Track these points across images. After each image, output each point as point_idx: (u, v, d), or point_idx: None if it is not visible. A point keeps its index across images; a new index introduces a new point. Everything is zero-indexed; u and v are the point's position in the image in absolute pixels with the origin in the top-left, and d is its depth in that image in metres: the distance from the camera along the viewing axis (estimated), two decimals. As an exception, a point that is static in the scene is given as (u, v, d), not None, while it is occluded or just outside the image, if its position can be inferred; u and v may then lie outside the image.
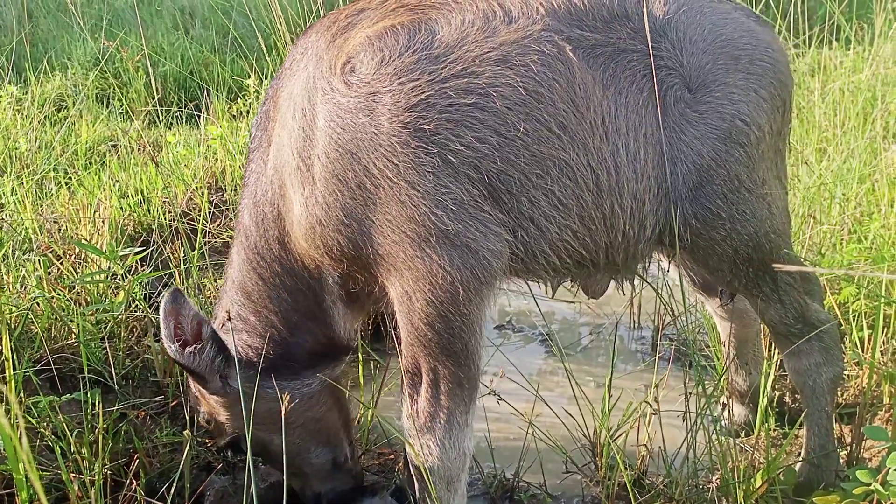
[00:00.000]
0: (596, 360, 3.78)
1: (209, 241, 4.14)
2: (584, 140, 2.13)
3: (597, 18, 2.17)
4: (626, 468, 2.76)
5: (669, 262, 2.48)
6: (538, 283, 2.44)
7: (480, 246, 2.09)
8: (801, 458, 2.63)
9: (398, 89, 2.04)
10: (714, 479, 2.74)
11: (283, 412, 2.11)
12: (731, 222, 2.24)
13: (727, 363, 2.99)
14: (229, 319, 2.31)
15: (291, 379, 2.42)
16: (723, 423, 3.03)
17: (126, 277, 3.27)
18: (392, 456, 2.99)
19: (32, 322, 3.10)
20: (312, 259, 2.26)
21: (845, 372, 2.95)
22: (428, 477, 2.19)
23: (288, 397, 2.17)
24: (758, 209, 2.26)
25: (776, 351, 2.88)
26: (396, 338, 2.29)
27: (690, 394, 2.76)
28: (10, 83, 6.65)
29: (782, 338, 2.47)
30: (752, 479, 2.29)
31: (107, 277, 3.23)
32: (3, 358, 2.32)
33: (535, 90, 2.08)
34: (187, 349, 2.29)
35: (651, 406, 2.67)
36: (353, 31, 2.16)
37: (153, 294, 3.56)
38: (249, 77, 6.12)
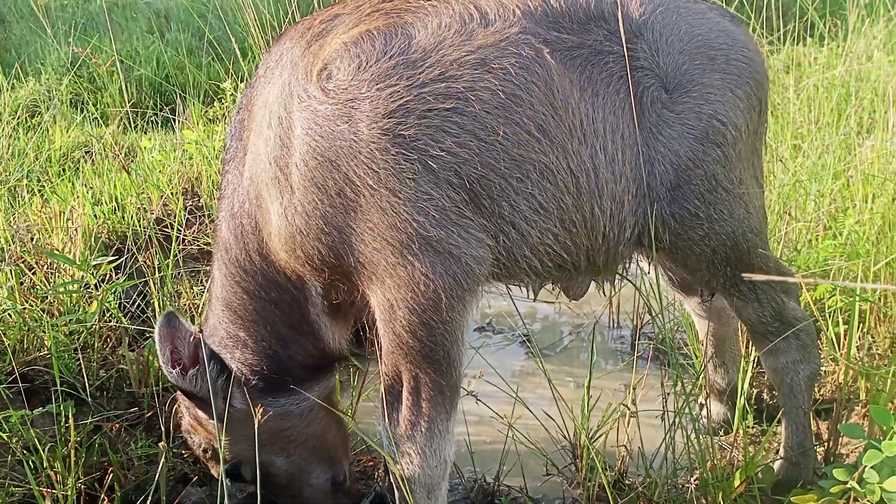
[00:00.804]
0: (576, 360, 3.78)
1: (185, 248, 4.10)
2: (564, 143, 2.12)
3: (573, 20, 2.16)
4: (605, 469, 2.76)
5: (649, 263, 2.49)
6: (519, 286, 2.43)
7: (463, 252, 2.07)
8: (779, 457, 2.64)
9: (376, 95, 2.02)
10: (693, 478, 2.74)
11: (256, 426, 2.07)
12: (709, 222, 2.24)
13: (705, 362, 2.99)
14: (201, 332, 2.28)
15: (289, 395, 2.38)
16: (701, 421, 3.03)
17: (99, 287, 3.23)
18: (371, 463, 2.97)
19: (3, 334, 3.05)
20: (293, 270, 2.23)
21: (822, 368, 2.96)
22: (407, 485, 2.18)
23: (274, 413, 2.14)
24: (735, 209, 2.26)
25: (753, 348, 2.90)
26: (377, 345, 2.27)
27: (669, 393, 2.76)
28: (-19, 89, 6.56)
29: (760, 336, 2.48)
30: (731, 479, 2.29)
31: (80, 287, 3.18)
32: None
33: (513, 93, 2.07)
34: (189, 373, 2.24)
35: (630, 408, 2.66)
36: (328, 37, 2.14)
37: (127, 303, 3.51)
38: (226, 80, 6.06)
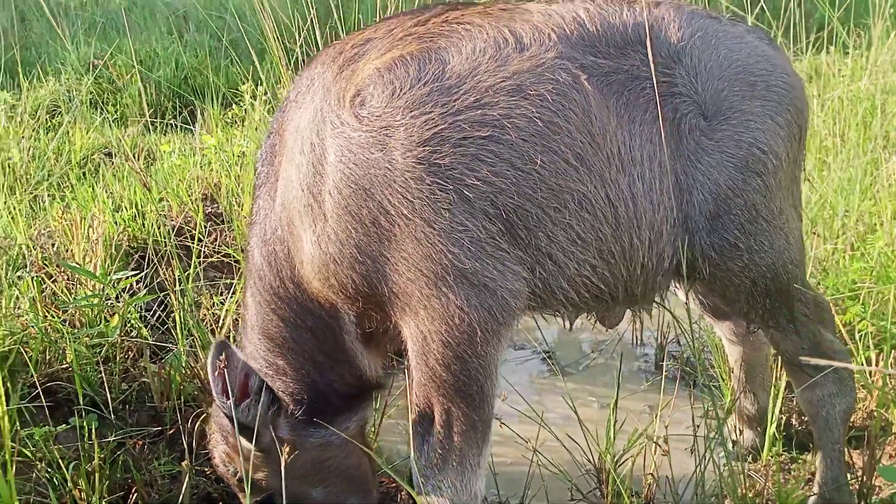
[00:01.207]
0: (599, 379, 3.74)
1: (204, 259, 4.08)
2: (601, 171, 2.08)
3: (610, 45, 2.12)
4: (631, 497, 2.71)
5: (686, 292, 2.44)
6: (554, 316, 2.38)
7: (499, 285, 2.03)
8: (812, 492, 2.58)
9: (411, 123, 1.99)
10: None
11: (282, 463, 2.03)
12: (749, 253, 2.19)
13: (737, 389, 2.94)
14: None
15: (331, 423, 2.33)
16: (731, 448, 2.99)
17: (120, 298, 3.21)
18: (394, 485, 2.94)
19: (26, 345, 3.04)
20: (327, 298, 2.19)
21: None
22: None
23: (315, 443, 2.11)
24: (776, 240, 2.22)
25: (783, 373, 2.85)
26: (406, 371, 2.24)
27: (702, 418, 2.71)
28: (2, 89, 6.57)
29: (796, 368, 2.43)
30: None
31: (101, 301, 3.16)
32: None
33: (551, 121, 2.03)
34: (242, 405, 2.20)
35: (657, 438, 2.62)
36: (360, 62, 2.11)
37: (148, 314, 3.50)
38: (245, 83, 6.04)
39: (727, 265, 2.20)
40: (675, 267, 2.22)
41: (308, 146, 2.09)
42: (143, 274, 3.49)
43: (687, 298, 2.56)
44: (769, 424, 2.77)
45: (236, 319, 3.36)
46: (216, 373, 2.12)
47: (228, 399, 2.14)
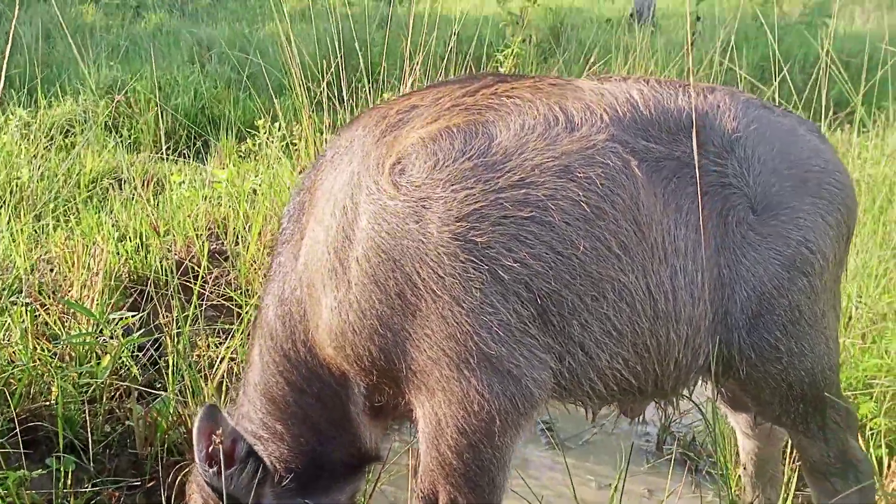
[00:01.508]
0: (598, 455, 3.61)
1: (205, 299, 3.99)
2: (644, 261, 1.99)
3: (662, 129, 2.05)
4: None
5: (716, 391, 2.34)
6: (576, 406, 2.26)
7: (524, 373, 1.93)
8: None
9: (450, 197, 1.91)
10: None
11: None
12: (790, 356, 2.10)
13: (746, 484, 2.83)
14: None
15: (320, 494, 2.23)
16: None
17: (114, 336, 3.12)
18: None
19: (11, 377, 2.94)
20: (338, 366, 2.10)
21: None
22: None
23: None
24: (817, 344, 2.13)
25: (795, 469, 2.74)
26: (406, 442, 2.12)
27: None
28: (20, 106, 6.57)
29: (819, 475, 2.32)
30: None
31: (94, 339, 3.08)
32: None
33: (597, 206, 1.95)
34: (225, 473, 2.09)
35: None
36: (403, 128, 2.04)
37: (139, 352, 3.40)
38: (261, 119, 6.03)
39: (765, 367, 2.10)
40: (709, 365, 2.12)
41: (340, 209, 2.01)
42: (140, 314, 3.39)
43: (714, 395, 2.44)
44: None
45: (231, 367, 3.26)
46: (201, 436, 2.02)
47: (211, 467, 2.04)
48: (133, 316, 3.13)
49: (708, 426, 2.58)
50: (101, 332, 3.12)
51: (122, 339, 3.07)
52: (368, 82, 5.14)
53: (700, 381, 2.28)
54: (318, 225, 2.07)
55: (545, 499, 2.80)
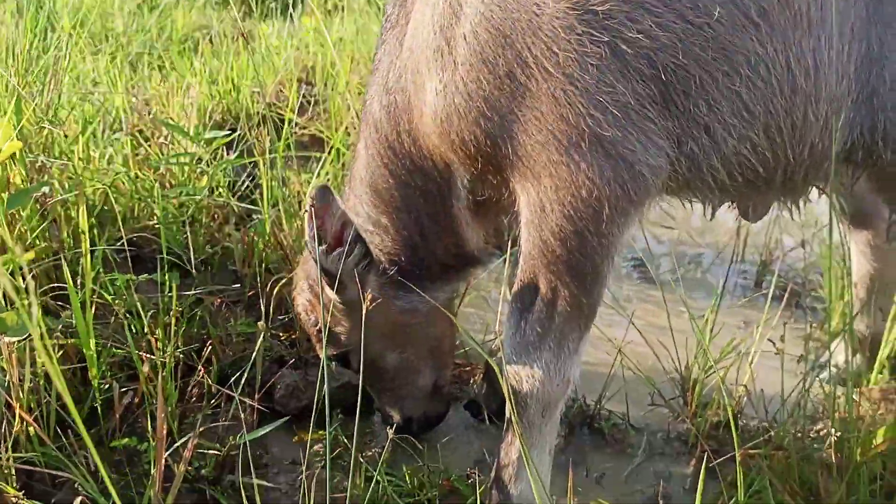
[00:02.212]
0: (693, 291, 3.53)
1: (297, 134, 4.02)
2: (786, 31, 1.78)
3: None
4: (722, 407, 2.56)
5: (851, 183, 2.13)
6: (692, 201, 2.14)
7: (638, 159, 1.79)
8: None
9: None
10: (817, 428, 2.51)
11: (363, 311, 1.95)
12: None
13: (857, 308, 2.69)
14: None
15: (422, 290, 2.21)
16: (833, 371, 2.77)
17: (210, 163, 3.18)
18: (468, 368, 2.86)
19: (115, 201, 3.06)
20: (442, 156, 2.02)
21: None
22: (522, 400, 1.99)
23: (401, 307, 2.01)
24: None
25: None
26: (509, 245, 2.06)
27: (810, 337, 2.49)
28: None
29: None
30: (872, 434, 2.04)
31: (192, 160, 3.14)
32: (81, 230, 2.25)
33: None
34: (333, 253, 2.10)
35: (752, 353, 2.43)
36: None
37: (237, 181, 3.47)
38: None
39: None
40: (847, 152, 1.94)
41: None
42: (233, 139, 3.44)
43: (831, 206, 2.26)
44: (882, 348, 2.54)
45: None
46: (313, 216, 2.01)
47: (320, 245, 2.05)
48: (228, 135, 3.16)
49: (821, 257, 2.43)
50: (198, 158, 3.18)
51: (217, 162, 3.12)
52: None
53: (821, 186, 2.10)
54: (424, 5, 1.94)
55: (637, 326, 2.75)
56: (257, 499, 1.81)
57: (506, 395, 1.93)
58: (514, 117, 1.82)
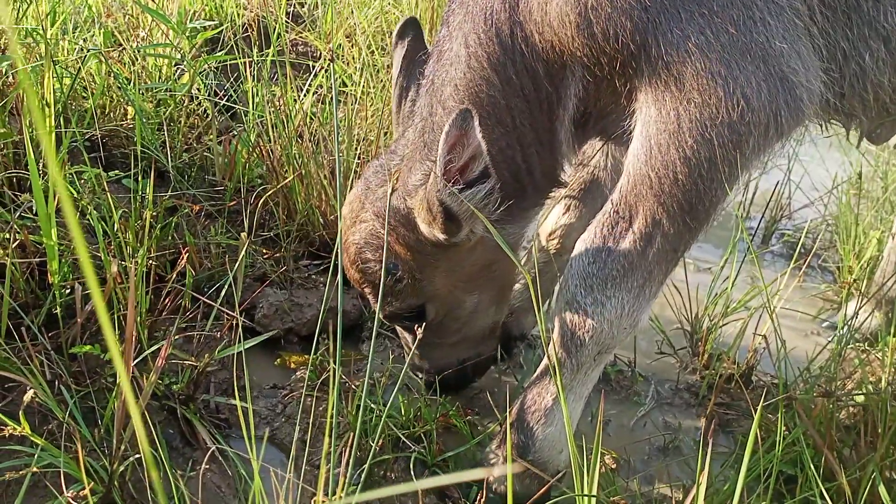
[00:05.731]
0: (698, 245, 3.36)
1: (283, 48, 3.72)
2: None
3: None
4: (734, 360, 2.40)
5: None
6: (824, 126, 1.95)
7: (801, 81, 1.58)
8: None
9: None
10: (832, 387, 2.37)
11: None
12: None
13: (885, 267, 2.55)
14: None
15: (511, 223, 1.93)
16: (846, 329, 2.63)
17: (192, 64, 2.89)
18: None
19: (84, 98, 2.76)
20: (563, 55, 1.72)
21: None
22: (578, 337, 1.75)
23: (494, 246, 1.79)
24: None
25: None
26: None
27: (814, 296, 2.34)
28: None
29: None
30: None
31: (171, 51, 2.84)
32: (47, 102, 1.97)
33: None
34: (465, 192, 1.74)
35: (764, 307, 2.27)
36: None
37: (218, 90, 3.18)
38: None
39: None
40: None
41: None
42: (216, 46, 3.14)
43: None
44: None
45: (313, 111, 3.03)
46: (448, 144, 1.67)
47: (450, 180, 1.72)
48: (215, 26, 2.86)
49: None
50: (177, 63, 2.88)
51: (200, 59, 2.83)
52: None
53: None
54: None
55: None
56: (241, 424, 1.58)
57: (553, 334, 1.73)
58: (674, 13, 1.57)
